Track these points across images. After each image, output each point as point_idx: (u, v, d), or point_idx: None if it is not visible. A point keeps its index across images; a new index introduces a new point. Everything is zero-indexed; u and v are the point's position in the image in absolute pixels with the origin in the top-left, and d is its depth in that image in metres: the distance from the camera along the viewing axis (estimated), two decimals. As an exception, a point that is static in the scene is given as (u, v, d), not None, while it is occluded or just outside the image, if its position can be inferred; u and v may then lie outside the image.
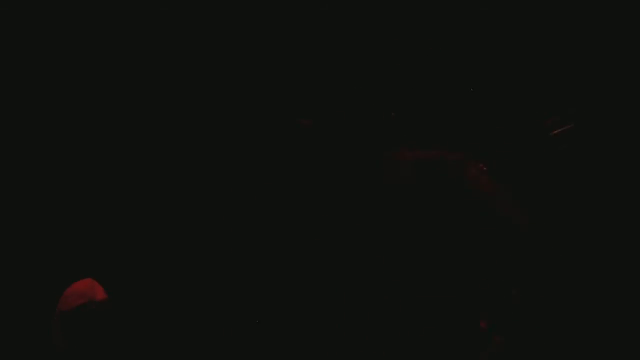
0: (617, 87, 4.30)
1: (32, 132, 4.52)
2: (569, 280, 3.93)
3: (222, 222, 4.56)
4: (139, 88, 4.66)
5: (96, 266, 4.14)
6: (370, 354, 4.24)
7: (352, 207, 4.39)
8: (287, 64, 4.64)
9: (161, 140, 4.62)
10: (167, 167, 4.60)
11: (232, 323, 4.40)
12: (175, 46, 4.69)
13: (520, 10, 4.44)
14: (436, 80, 4.54)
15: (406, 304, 4.18)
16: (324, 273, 4.43)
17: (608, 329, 3.87)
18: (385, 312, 4.23)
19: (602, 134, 4.20)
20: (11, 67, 4.56)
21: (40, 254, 4.35)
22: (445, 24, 4.52)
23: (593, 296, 3.92)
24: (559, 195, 4.11)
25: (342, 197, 4.40)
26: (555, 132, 3.69)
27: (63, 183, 4.50)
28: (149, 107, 4.64)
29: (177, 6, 4.66)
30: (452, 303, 4.05)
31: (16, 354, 3.88)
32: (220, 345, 4.32)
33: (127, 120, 4.61)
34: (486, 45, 4.47)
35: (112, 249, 4.40)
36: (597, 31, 4.36)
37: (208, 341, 4.35)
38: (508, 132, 4.26)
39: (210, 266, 4.49)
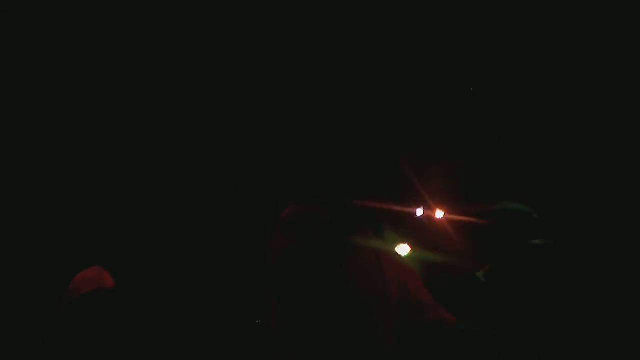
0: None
1: (44, 130, 4.52)
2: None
3: (224, 220, 4.56)
4: (138, 90, 4.67)
5: (102, 257, 4.14)
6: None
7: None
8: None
9: (167, 138, 4.62)
10: (173, 164, 4.60)
11: (232, 320, 4.38)
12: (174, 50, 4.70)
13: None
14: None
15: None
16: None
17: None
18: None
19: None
20: (11, 67, 4.55)
21: (47, 246, 4.33)
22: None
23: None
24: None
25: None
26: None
27: (69, 179, 4.49)
28: (155, 108, 4.65)
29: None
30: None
31: (23, 341, 3.83)
32: (221, 342, 4.30)
33: (132, 119, 4.61)
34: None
35: (118, 241, 4.39)
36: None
37: (209, 335, 4.33)
38: None
39: (212, 261, 4.48)
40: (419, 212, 4.28)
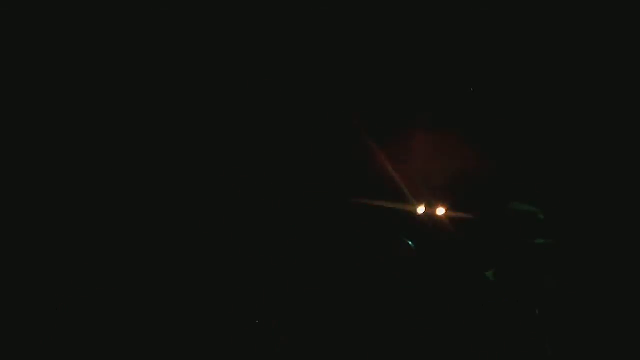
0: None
1: (44, 130, 4.51)
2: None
3: (224, 220, 4.56)
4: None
5: (102, 257, 4.15)
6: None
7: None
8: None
9: (167, 139, 4.62)
10: (173, 164, 4.60)
11: (232, 322, 4.38)
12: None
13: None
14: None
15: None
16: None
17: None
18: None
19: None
20: (11, 67, 4.54)
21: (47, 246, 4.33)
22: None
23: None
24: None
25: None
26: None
27: (70, 179, 4.48)
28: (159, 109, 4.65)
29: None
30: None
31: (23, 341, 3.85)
32: (221, 342, 4.30)
33: (132, 119, 4.61)
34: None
35: (118, 241, 4.39)
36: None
37: (209, 339, 4.33)
38: None
39: (212, 261, 4.48)
40: (420, 209, 4.29)
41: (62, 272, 4.25)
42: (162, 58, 4.69)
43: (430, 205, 4.26)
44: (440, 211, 4.24)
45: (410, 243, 4.13)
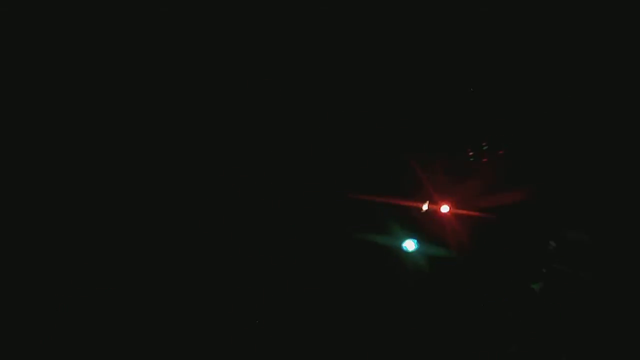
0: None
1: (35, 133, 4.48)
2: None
3: (224, 220, 4.55)
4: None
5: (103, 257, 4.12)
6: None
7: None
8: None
9: (168, 139, 4.60)
10: (174, 164, 4.59)
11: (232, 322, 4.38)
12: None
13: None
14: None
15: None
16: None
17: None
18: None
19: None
20: (11, 67, 4.51)
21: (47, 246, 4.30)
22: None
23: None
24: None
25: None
26: None
27: (70, 179, 4.46)
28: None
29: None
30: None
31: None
32: (221, 342, 4.30)
33: (133, 119, 4.59)
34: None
35: (118, 241, 4.37)
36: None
37: (209, 339, 4.32)
38: None
39: (212, 261, 4.47)
40: (425, 206, 4.30)
41: (62, 272, 4.22)
42: (162, 58, 4.67)
43: (435, 202, 4.28)
44: (445, 208, 4.25)
45: (414, 240, 4.14)
